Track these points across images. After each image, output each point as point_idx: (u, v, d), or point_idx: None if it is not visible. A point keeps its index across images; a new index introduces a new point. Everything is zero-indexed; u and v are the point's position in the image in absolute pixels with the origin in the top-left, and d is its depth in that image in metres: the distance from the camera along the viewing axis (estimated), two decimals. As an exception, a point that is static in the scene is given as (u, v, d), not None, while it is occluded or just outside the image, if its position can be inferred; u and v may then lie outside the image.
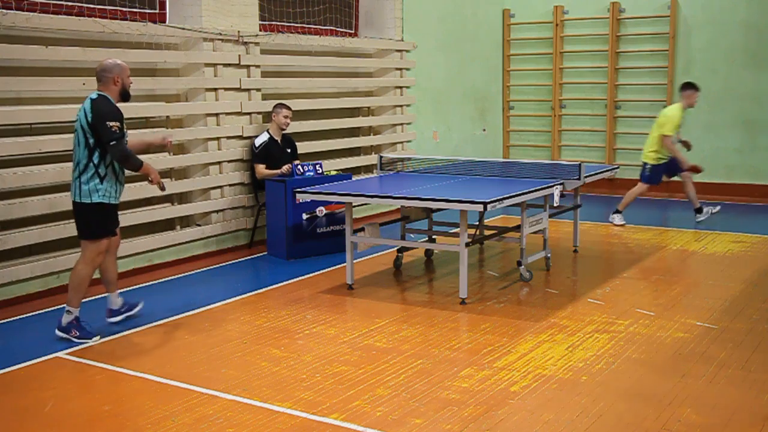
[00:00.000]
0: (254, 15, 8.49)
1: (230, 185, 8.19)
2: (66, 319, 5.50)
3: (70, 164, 6.75)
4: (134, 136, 6.11)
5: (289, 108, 8.26)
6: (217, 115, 8.04)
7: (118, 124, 5.34)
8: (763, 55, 11.22)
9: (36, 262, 6.54)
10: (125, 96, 5.58)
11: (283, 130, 8.31)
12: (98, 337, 5.50)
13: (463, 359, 5.06)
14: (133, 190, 7.31)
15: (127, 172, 5.63)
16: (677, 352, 5.15)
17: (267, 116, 8.46)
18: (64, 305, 5.55)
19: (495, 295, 6.50)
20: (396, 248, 7.63)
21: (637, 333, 5.53)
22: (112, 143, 5.30)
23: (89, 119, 5.30)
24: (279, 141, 8.28)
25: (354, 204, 6.89)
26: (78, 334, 5.47)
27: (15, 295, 6.43)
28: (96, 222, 5.43)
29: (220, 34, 8.01)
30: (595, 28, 12.36)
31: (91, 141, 5.32)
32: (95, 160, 5.34)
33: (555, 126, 12.75)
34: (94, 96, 5.42)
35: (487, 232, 7.55)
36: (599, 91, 12.32)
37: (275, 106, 8.26)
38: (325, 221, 8.10)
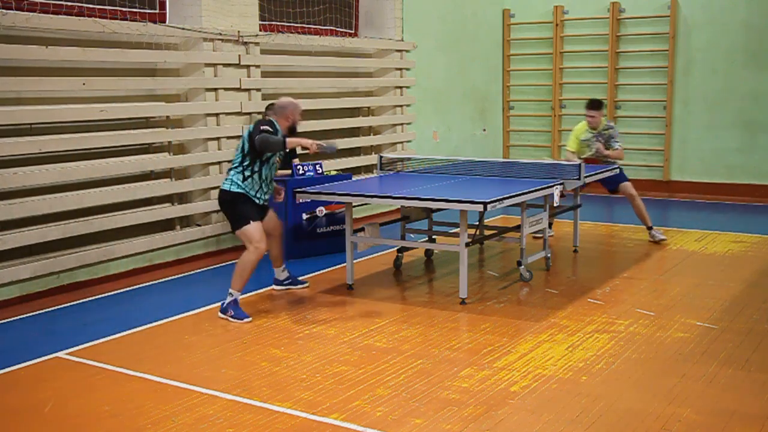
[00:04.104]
0: (254, 15, 8.48)
1: (230, 185, 8.18)
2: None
3: (71, 164, 6.86)
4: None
5: None
6: (217, 115, 8.03)
7: (269, 128, 5.95)
8: (763, 55, 11.22)
9: (36, 262, 6.53)
10: (292, 131, 6.17)
11: None
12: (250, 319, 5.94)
13: (463, 359, 5.06)
14: (133, 190, 7.32)
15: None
16: (677, 352, 5.15)
17: (267, 116, 8.46)
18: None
19: (495, 295, 6.50)
20: (396, 248, 7.63)
21: (637, 333, 5.52)
22: (257, 137, 5.87)
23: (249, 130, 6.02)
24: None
25: (354, 204, 6.89)
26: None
27: (15, 295, 6.42)
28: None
29: (220, 34, 8.01)
30: (595, 28, 12.36)
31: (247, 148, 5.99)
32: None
33: (555, 126, 12.75)
34: (265, 119, 6.23)
35: (487, 232, 7.55)
36: (599, 91, 12.29)
37: (267, 108, 8.16)
38: (325, 221, 8.10)
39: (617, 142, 8.49)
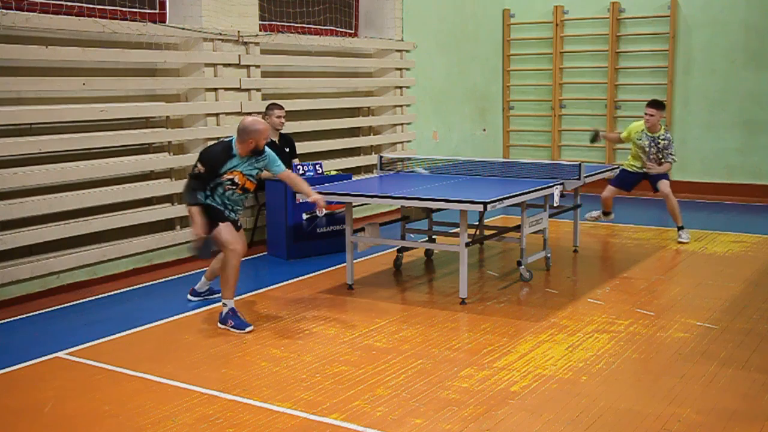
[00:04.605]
0: (254, 15, 8.49)
1: (230, 185, 8.18)
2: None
3: (71, 164, 6.85)
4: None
5: (281, 107, 8.21)
6: (217, 115, 8.03)
7: (204, 168, 5.63)
8: (763, 55, 11.22)
9: (36, 262, 6.53)
10: (257, 153, 5.78)
11: (279, 129, 8.28)
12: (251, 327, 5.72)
13: (463, 359, 5.06)
14: (133, 190, 7.32)
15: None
16: (677, 352, 5.15)
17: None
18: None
19: (495, 295, 6.50)
20: (396, 248, 7.63)
21: (637, 333, 5.53)
22: (189, 174, 5.72)
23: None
24: (276, 141, 8.26)
25: (354, 204, 6.88)
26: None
27: (15, 295, 6.42)
28: None
29: (220, 34, 8.01)
30: (595, 28, 12.36)
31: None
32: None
33: (555, 126, 12.75)
34: (226, 140, 5.79)
35: (487, 232, 7.55)
36: (599, 91, 12.31)
37: (267, 108, 8.20)
38: (325, 221, 8.10)
39: (671, 155, 8.42)
